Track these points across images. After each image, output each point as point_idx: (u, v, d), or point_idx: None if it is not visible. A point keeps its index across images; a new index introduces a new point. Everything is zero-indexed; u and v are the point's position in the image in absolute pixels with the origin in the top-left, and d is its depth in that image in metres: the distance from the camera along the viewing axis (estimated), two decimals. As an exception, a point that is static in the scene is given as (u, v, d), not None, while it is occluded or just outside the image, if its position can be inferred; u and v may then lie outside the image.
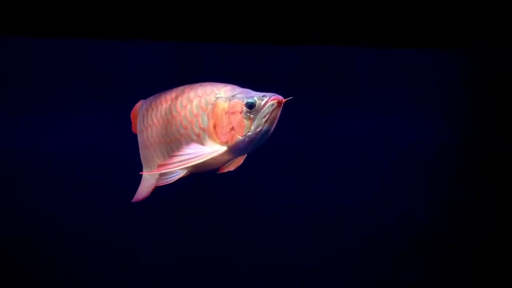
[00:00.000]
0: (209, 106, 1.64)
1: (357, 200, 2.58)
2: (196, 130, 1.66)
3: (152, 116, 1.79)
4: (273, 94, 1.58)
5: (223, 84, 1.69)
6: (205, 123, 1.64)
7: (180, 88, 1.77)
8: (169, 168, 1.61)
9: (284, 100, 1.57)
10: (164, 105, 1.76)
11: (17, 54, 2.45)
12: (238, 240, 2.59)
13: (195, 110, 1.67)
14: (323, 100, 2.49)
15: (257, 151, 2.21)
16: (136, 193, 1.86)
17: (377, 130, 2.55)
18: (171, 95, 1.77)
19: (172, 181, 1.67)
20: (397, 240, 2.58)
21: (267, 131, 1.59)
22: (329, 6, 1.58)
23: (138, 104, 1.93)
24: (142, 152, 1.86)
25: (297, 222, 2.60)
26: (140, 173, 1.76)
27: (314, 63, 2.45)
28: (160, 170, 1.62)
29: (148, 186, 1.84)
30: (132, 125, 1.94)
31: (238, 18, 1.59)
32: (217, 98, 1.64)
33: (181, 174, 1.66)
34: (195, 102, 1.67)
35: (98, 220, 2.54)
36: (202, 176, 1.70)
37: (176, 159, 1.61)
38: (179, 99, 1.72)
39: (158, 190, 1.77)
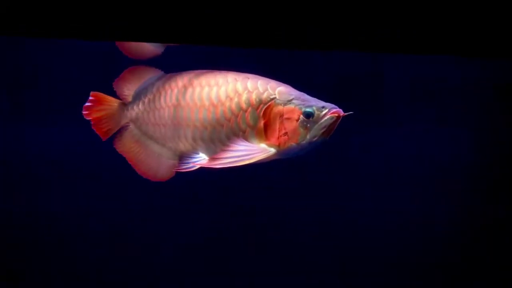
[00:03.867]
0: (262, 105, 1.60)
1: (388, 216, 2.54)
2: (243, 126, 1.61)
3: (178, 96, 1.73)
4: (333, 106, 1.56)
5: (274, 82, 1.65)
6: (255, 121, 1.60)
7: (219, 74, 1.70)
8: (220, 164, 1.58)
9: (343, 114, 1.54)
10: (197, 88, 1.70)
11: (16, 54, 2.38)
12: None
13: (244, 105, 1.61)
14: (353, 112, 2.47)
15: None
16: (154, 172, 1.82)
17: (410, 146, 2.52)
18: (207, 79, 1.70)
19: (194, 168, 1.66)
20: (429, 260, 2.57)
21: (321, 142, 1.57)
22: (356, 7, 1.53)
23: (143, 70, 1.87)
24: (157, 128, 1.80)
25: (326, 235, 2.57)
26: (192, 163, 1.69)
27: (344, 73, 2.42)
28: (212, 164, 1.60)
29: (168, 167, 1.80)
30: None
31: (239, 21, 1.53)
32: (272, 99, 1.59)
33: (203, 162, 1.65)
34: (245, 97, 1.62)
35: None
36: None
37: (228, 155, 1.59)
38: (223, 87, 1.65)
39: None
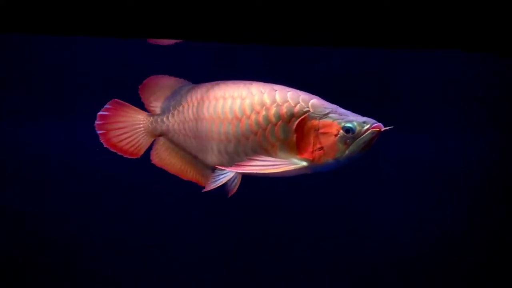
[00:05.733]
0: (294, 119, 1.56)
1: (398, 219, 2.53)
2: (272, 139, 1.57)
3: (203, 108, 1.70)
4: (373, 121, 1.53)
5: (305, 94, 1.61)
6: (286, 134, 1.56)
7: (242, 86, 1.66)
8: (245, 170, 1.56)
9: (384, 128, 1.52)
10: (220, 101, 1.66)
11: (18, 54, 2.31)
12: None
13: (273, 119, 1.58)
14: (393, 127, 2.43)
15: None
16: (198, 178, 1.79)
17: (421, 148, 2.50)
18: (230, 91, 1.66)
19: (221, 184, 1.61)
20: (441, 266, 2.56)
21: (359, 157, 1.54)
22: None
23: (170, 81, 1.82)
24: (188, 140, 1.76)
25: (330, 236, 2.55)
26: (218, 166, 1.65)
27: (353, 70, 2.39)
28: (237, 169, 1.58)
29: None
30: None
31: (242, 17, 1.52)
32: (305, 112, 1.55)
33: (230, 175, 1.60)
34: (274, 110, 1.58)
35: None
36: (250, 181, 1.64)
37: (254, 163, 1.56)
38: (247, 100, 1.61)
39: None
